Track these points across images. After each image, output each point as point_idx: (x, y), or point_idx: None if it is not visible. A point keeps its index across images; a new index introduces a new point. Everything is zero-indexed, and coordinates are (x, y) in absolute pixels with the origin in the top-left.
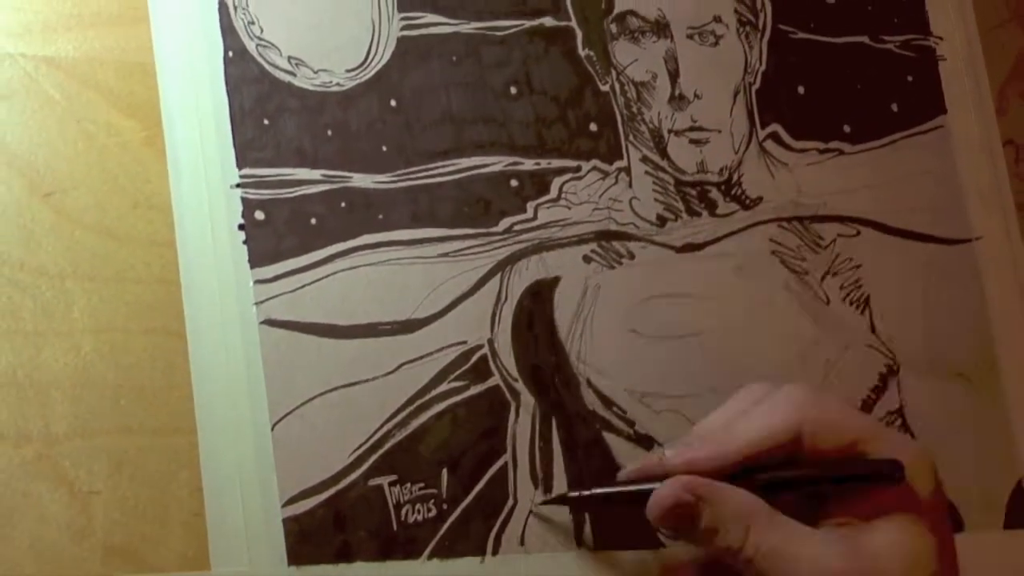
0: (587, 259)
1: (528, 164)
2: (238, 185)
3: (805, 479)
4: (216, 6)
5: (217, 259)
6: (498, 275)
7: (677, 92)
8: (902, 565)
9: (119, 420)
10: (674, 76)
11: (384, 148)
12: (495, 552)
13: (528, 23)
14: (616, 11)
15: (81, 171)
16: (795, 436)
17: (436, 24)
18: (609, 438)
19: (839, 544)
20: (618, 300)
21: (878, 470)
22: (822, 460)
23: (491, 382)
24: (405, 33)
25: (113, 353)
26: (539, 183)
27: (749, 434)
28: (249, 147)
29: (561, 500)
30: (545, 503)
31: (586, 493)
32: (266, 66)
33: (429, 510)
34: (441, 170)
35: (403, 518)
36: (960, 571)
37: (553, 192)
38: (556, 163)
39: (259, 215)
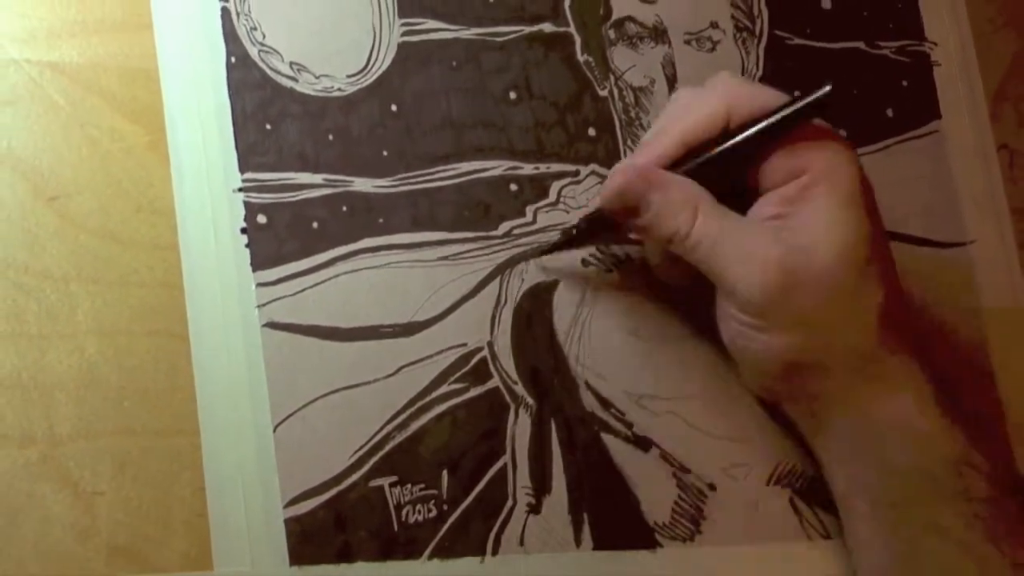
0: (585, 262)
1: (527, 168)
2: (240, 189)
3: (741, 145)
4: (219, 12)
5: (220, 262)
6: (498, 278)
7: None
8: (835, 248)
9: (123, 422)
10: (672, 81)
11: (385, 153)
12: (495, 552)
13: (527, 29)
14: (614, 17)
15: (85, 175)
16: (724, 120)
17: (436, 30)
18: (607, 439)
19: (776, 232)
20: (616, 303)
21: (807, 104)
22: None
23: (491, 384)
24: (406, 39)
25: (117, 355)
26: (538, 187)
27: (683, 127)
28: (251, 152)
29: (558, 246)
30: (551, 250)
31: (576, 232)
32: (268, 71)
33: (429, 511)
34: (441, 174)
35: (404, 519)
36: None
37: (552, 196)
38: (555, 167)
39: (261, 219)
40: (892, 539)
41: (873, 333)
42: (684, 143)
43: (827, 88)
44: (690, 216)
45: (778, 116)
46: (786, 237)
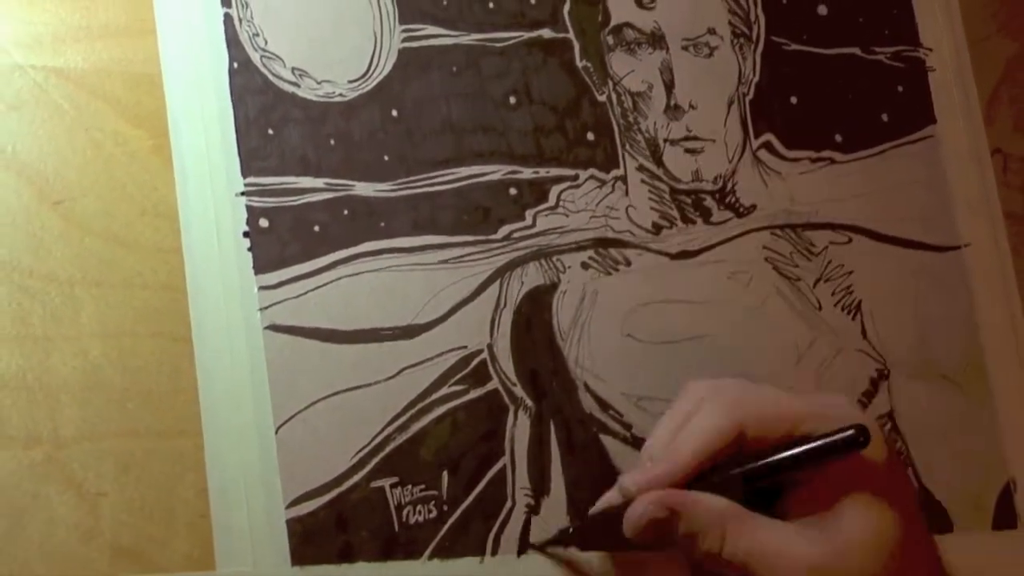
0: (585, 266)
1: (527, 173)
2: (243, 193)
3: (766, 467)
4: (221, 18)
5: (222, 266)
6: (497, 281)
7: (672, 102)
8: (872, 539)
9: (126, 423)
10: (669, 87)
11: (386, 157)
12: (494, 552)
13: (527, 35)
14: (613, 23)
15: (89, 179)
16: (737, 434)
17: (437, 36)
18: (606, 440)
19: (811, 532)
20: (615, 306)
21: (837, 441)
22: (772, 448)
23: (490, 386)
24: (406, 45)
25: (121, 357)
26: (538, 191)
27: (695, 443)
28: (254, 156)
29: (554, 542)
30: (542, 547)
31: (570, 531)
32: (270, 77)
33: (430, 511)
34: (441, 178)
35: (404, 519)
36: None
37: (551, 200)
38: (554, 172)
39: (263, 223)
40: None
41: None
42: (699, 461)
43: (850, 432)
44: (719, 535)
45: (800, 450)
46: (818, 534)
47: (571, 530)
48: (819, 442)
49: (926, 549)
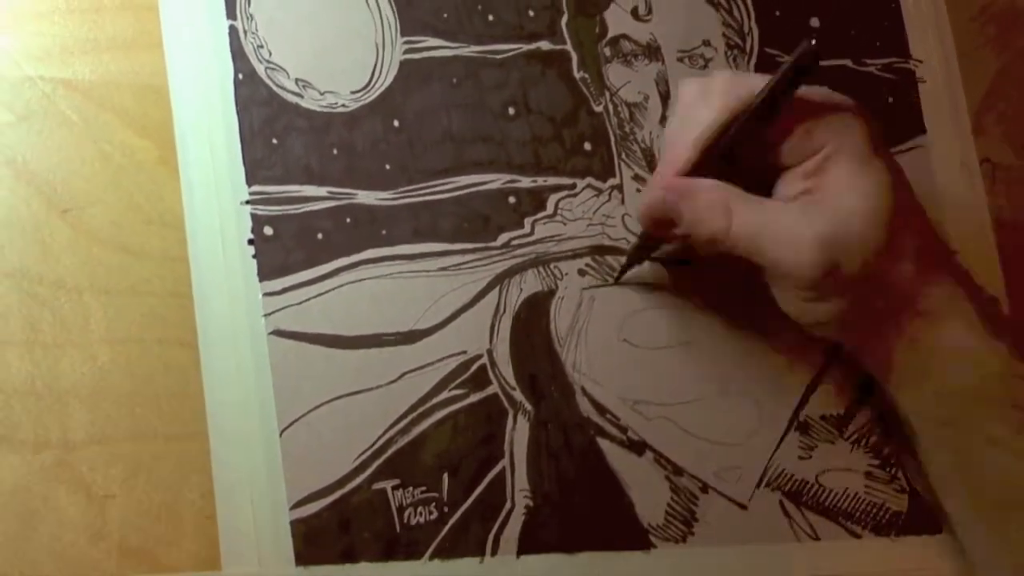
0: (582, 272)
1: (525, 182)
2: (248, 202)
3: (747, 126)
4: (226, 30)
5: (228, 273)
6: (497, 288)
7: (668, 113)
8: (865, 208)
9: (134, 427)
10: (665, 97)
11: (387, 166)
12: (493, 553)
13: (525, 47)
14: (609, 35)
15: (97, 189)
16: (732, 116)
17: (437, 48)
18: (603, 443)
19: (810, 208)
20: (611, 312)
21: (798, 62)
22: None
23: (490, 390)
24: (408, 56)
25: (128, 363)
26: (536, 200)
27: (694, 134)
28: (258, 165)
29: (622, 273)
30: (621, 275)
31: (629, 258)
32: (274, 88)
33: (430, 513)
34: (442, 187)
35: (405, 520)
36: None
37: (549, 208)
38: (552, 181)
39: (268, 230)
40: (951, 453)
41: (916, 276)
42: (697, 148)
43: (805, 44)
44: (723, 216)
45: (768, 85)
46: (819, 211)
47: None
48: (777, 75)
49: (919, 216)
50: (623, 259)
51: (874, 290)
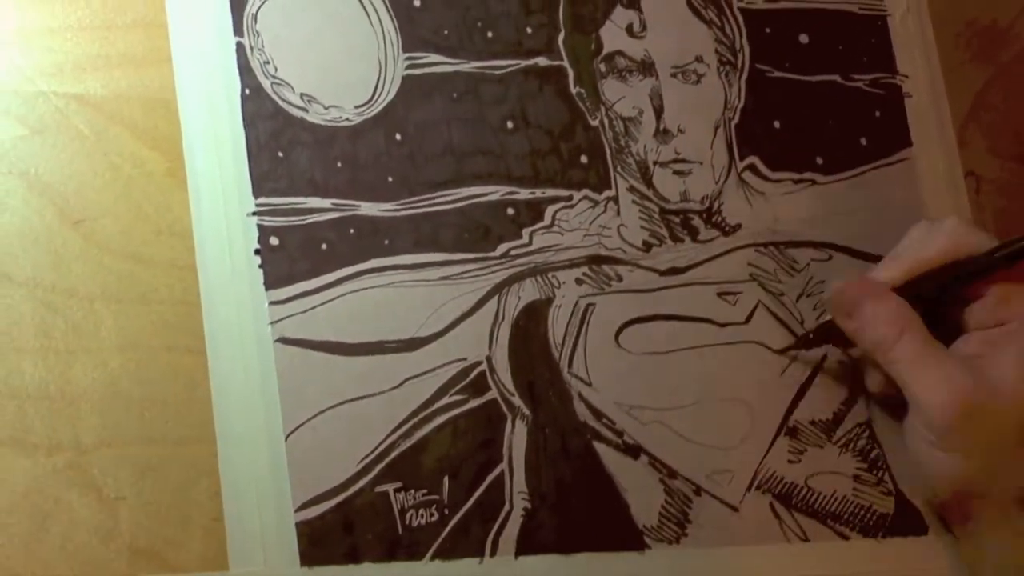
0: (579, 281)
1: (524, 193)
2: (254, 213)
3: (957, 276)
4: (234, 47)
5: (235, 282)
6: (496, 296)
7: (662, 127)
8: (1020, 391)
9: (144, 431)
10: (659, 112)
11: (390, 179)
12: (493, 554)
13: (523, 63)
14: (605, 51)
15: (108, 200)
16: (950, 260)
17: (438, 64)
18: (599, 447)
19: (971, 366)
20: (607, 319)
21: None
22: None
23: (489, 396)
24: (409, 72)
25: (138, 369)
26: (534, 211)
27: (912, 258)
28: (264, 178)
29: (799, 344)
30: (787, 350)
31: (812, 336)
32: (280, 103)
33: (431, 515)
34: (443, 199)
35: (407, 522)
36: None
37: (547, 219)
38: (550, 192)
39: (274, 241)
40: None
41: None
42: (911, 272)
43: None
44: (896, 330)
45: (999, 250)
46: (982, 375)
47: (810, 335)
48: (1012, 247)
49: None
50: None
51: (994, 470)
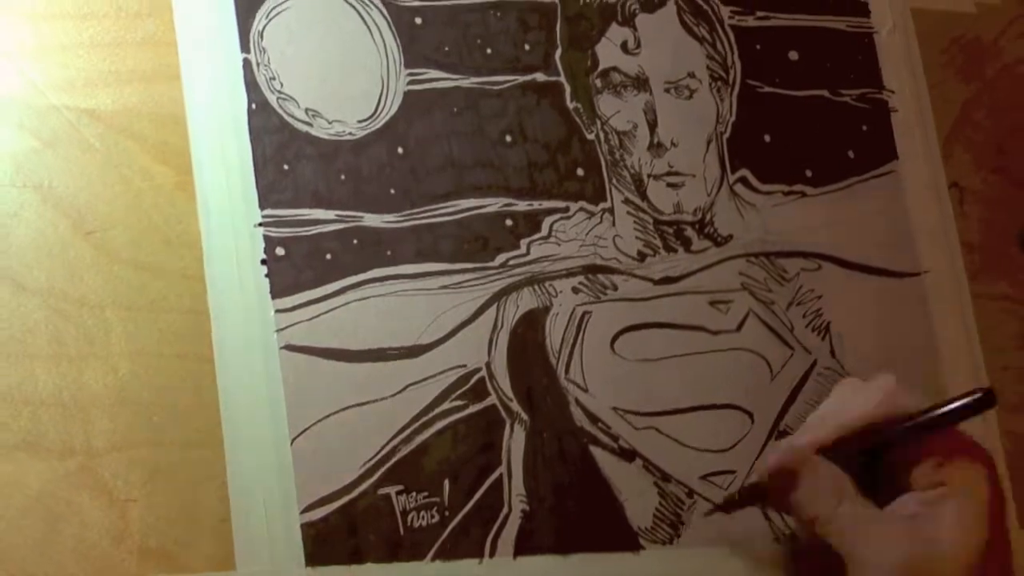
0: (575, 290)
1: (521, 205)
2: (261, 224)
3: (897, 434)
4: (241, 63)
5: (242, 291)
6: (495, 305)
7: (655, 140)
8: (956, 556)
9: (153, 435)
10: (653, 126)
11: (392, 191)
12: (492, 555)
13: (521, 78)
14: (600, 67)
15: (119, 212)
16: (880, 421)
17: (439, 79)
18: (595, 451)
19: (909, 530)
20: (603, 327)
21: (969, 403)
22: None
23: (488, 401)
24: (411, 87)
25: (148, 375)
26: (531, 222)
27: (841, 420)
28: (271, 190)
29: (720, 509)
30: (709, 513)
31: (737, 498)
32: (286, 117)
33: (432, 517)
34: (443, 211)
35: (409, 524)
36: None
37: (544, 230)
38: (547, 204)
39: (280, 251)
40: None
41: None
42: (839, 433)
43: (978, 395)
44: (834, 501)
45: (939, 411)
46: (919, 538)
47: (736, 496)
48: (957, 403)
49: (1003, 554)
50: (612, 276)
51: None
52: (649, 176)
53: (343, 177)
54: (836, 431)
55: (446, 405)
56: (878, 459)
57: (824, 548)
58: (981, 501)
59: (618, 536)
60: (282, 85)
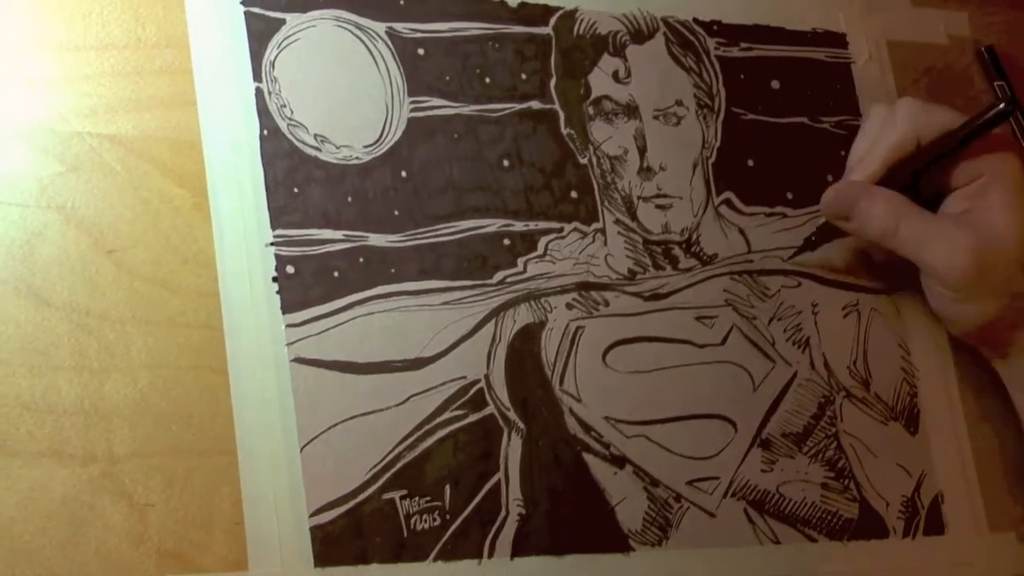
0: (569, 306)
1: (519, 226)
2: (272, 244)
3: (936, 153)
4: (253, 92)
5: (254, 307)
6: (493, 320)
7: (645, 164)
8: (1015, 230)
9: (171, 443)
10: (642, 151)
11: (396, 212)
12: (490, 556)
13: (518, 106)
14: (593, 96)
15: (139, 232)
16: (915, 142)
17: (440, 107)
18: (588, 458)
19: (967, 223)
20: (596, 341)
21: (990, 114)
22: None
23: (487, 411)
24: (414, 114)
25: (166, 386)
26: (528, 242)
27: (884, 153)
28: (281, 211)
29: (803, 249)
30: (796, 254)
31: (814, 238)
32: (296, 142)
33: (434, 520)
34: (444, 231)
35: (412, 526)
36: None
37: (540, 249)
38: (542, 225)
39: (290, 269)
40: None
41: None
42: (886, 165)
43: (1000, 107)
44: (894, 221)
45: (962, 135)
46: (975, 226)
47: (812, 237)
48: (983, 117)
49: None
50: (604, 293)
51: (1012, 303)
52: (639, 198)
53: (350, 199)
54: (882, 161)
55: (447, 415)
56: (918, 179)
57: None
58: (1018, 174)
59: (609, 538)
60: (292, 112)
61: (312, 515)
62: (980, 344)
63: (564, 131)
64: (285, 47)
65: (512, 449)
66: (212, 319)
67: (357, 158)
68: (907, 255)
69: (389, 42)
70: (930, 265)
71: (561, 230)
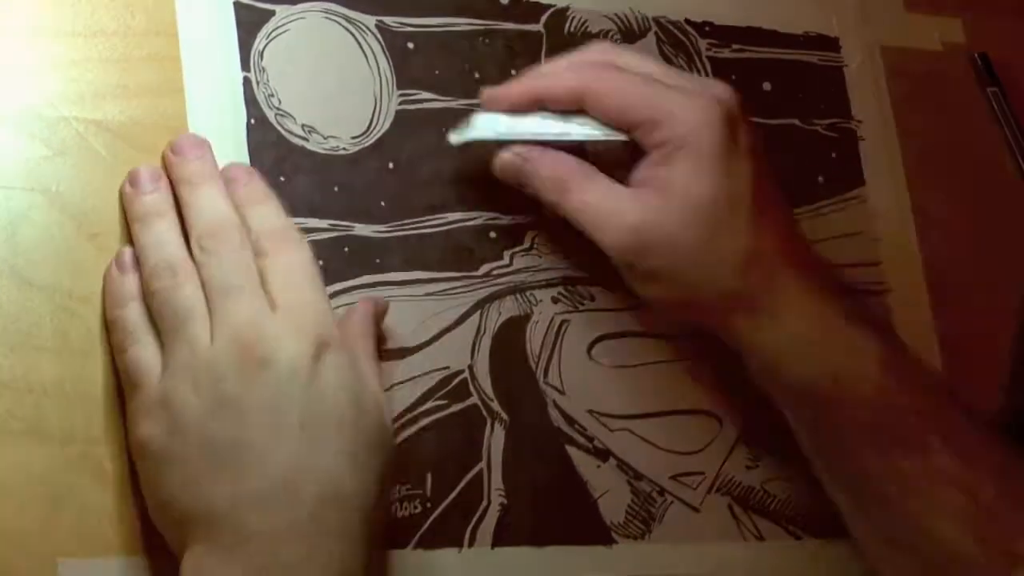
0: (555, 300)
1: (505, 219)
2: None
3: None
4: (241, 81)
5: None
6: (478, 312)
7: None
8: (685, 211)
9: None
10: None
11: (383, 203)
12: (471, 544)
13: None
14: None
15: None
16: (577, 99)
17: (429, 100)
18: (571, 450)
19: (637, 197)
20: (580, 334)
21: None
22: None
23: (470, 401)
24: (403, 107)
25: None
26: (515, 235)
27: (540, 88)
28: None
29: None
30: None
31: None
32: (283, 132)
33: (415, 507)
34: (431, 223)
35: (393, 513)
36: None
37: (526, 243)
38: (530, 218)
39: None
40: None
41: (739, 275)
42: (535, 101)
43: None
44: (558, 191)
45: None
46: (645, 200)
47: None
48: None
49: (771, 213)
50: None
51: (683, 287)
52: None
53: (336, 189)
54: (531, 98)
55: (430, 404)
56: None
57: None
58: (710, 147)
59: (592, 530)
60: (280, 102)
61: None
62: (705, 327)
63: None
64: (274, 37)
65: (495, 439)
66: None
67: (344, 149)
68: (579, 228)
69: (379, 35)
70: (594, 237)
71: (548, 224)
